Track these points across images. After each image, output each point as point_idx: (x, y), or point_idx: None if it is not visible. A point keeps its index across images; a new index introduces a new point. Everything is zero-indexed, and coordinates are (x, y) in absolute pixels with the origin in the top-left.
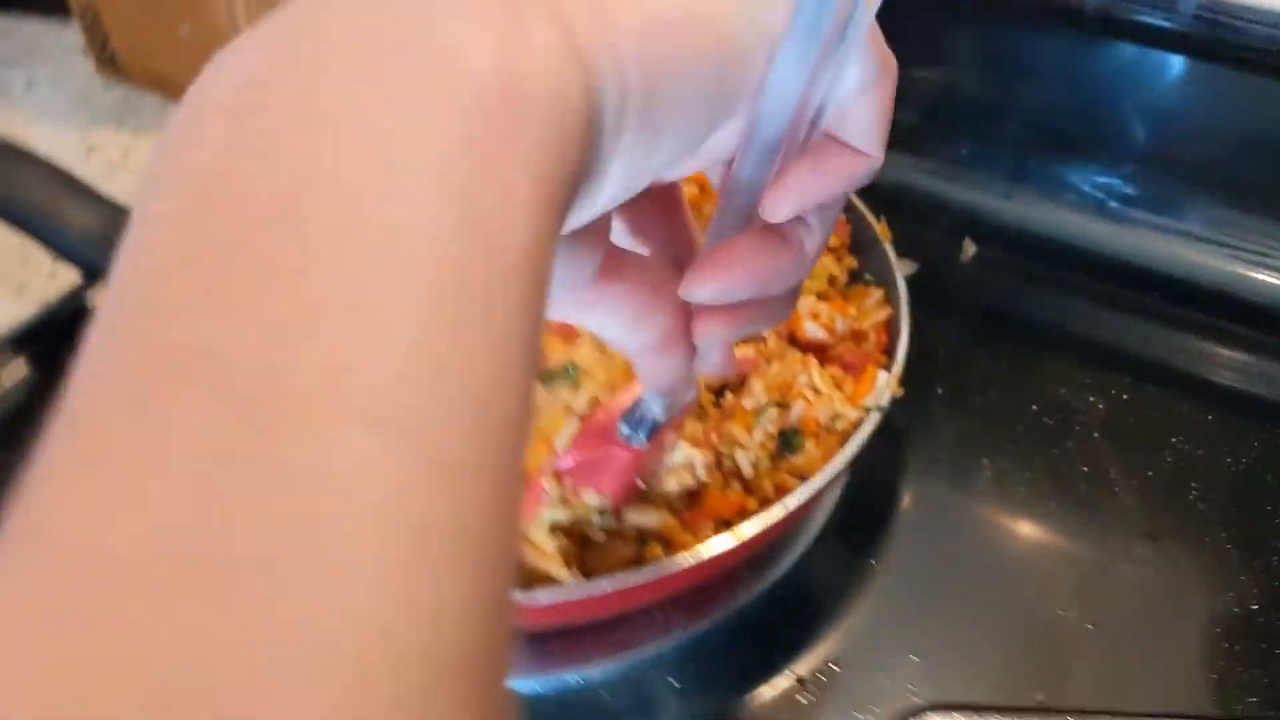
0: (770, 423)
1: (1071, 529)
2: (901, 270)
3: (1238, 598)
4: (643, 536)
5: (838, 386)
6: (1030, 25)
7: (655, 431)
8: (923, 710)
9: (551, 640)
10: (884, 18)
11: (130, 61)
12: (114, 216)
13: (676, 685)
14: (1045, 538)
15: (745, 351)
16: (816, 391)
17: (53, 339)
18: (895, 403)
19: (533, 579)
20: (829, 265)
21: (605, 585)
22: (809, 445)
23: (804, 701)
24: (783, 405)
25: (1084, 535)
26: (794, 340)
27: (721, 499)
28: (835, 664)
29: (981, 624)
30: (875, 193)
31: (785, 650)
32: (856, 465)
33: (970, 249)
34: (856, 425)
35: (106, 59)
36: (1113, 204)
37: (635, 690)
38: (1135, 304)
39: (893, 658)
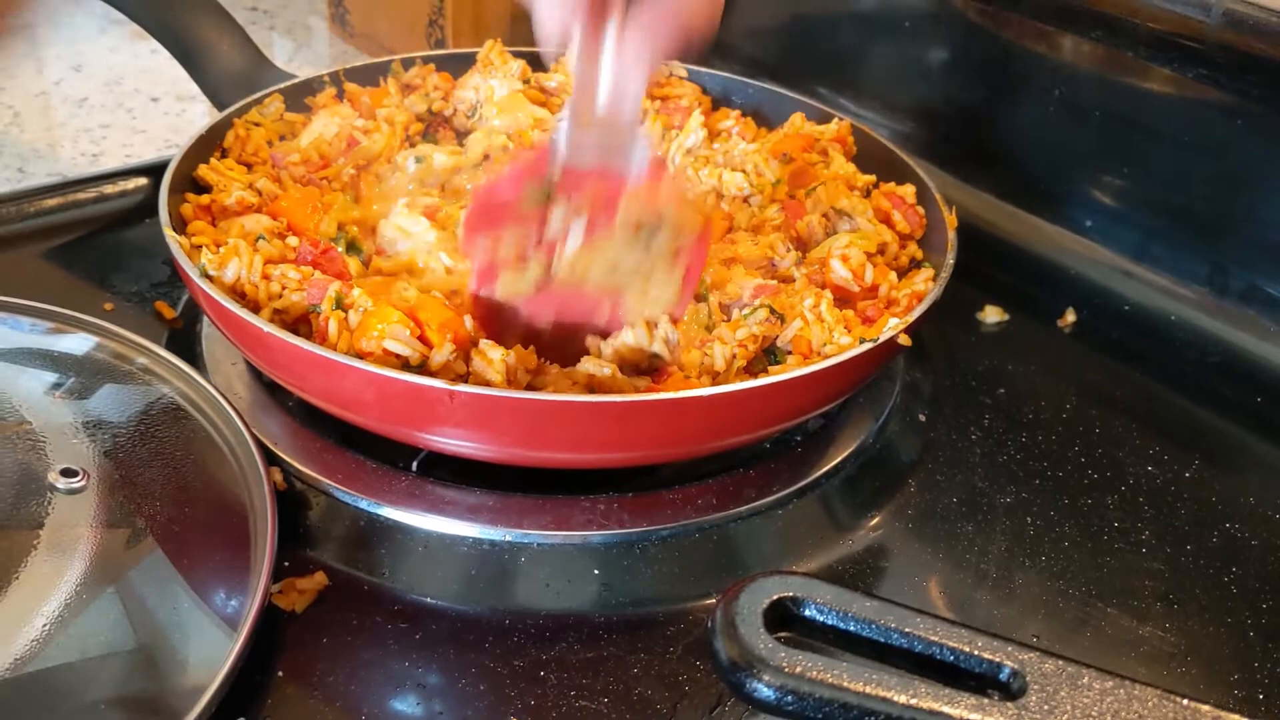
0: (756, 324)
1: (1079, 570)
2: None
3: (1244, 682)
4: (593, 388)
5: (846, 325)
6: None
7: None
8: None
9: (494, 490)
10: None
11: (355, 21)
12: (259, 65)
13: (597, 574)
14: (1049, 569)
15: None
16: (820, 319)
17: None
18: (932, 415)
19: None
20: (883, 233)
21: (532, 395)
22: (792, 362)
23: None
24: (777, 316)
25: (1091, 579)
26: (823, 286)
27: (684, 384)
28: None
29: None
30: (992, 245)
31: (722, 580)
32: (864, 458)
33: (1070, 317)
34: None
35: (339, 19)
36: (1231, 297)
37: (556, 566)
38: (1233, 401)
39: None
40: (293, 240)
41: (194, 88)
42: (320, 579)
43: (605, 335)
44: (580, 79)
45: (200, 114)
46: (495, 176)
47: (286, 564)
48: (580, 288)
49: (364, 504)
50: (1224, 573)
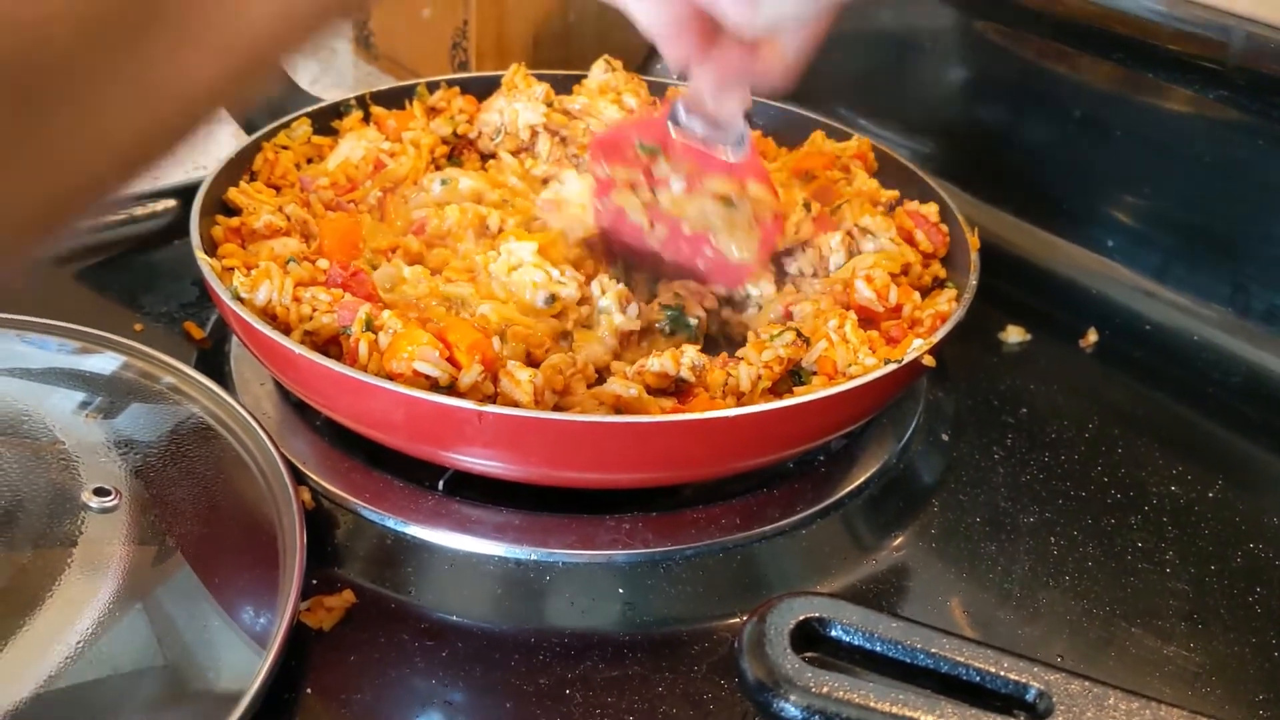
0: (783, 346)
1: (1102, 590)
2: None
3: (1270, 702)
4: (619, 408)
5: (870, 346)
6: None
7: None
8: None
9: (520, 509)
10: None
11: (379, 43)
12: (286, 88)
13: (622, 593)
14: (1072, 588)
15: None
16: (844, 339)
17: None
18: (955, 435)
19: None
20: (907, 254)
21: (559, 416)
22: (817, 383)
23: None
24: (803, 338)
25: (1115, 599)
26: (847, 306)
27: (709, 404)
28: None
29: None
30: (1014, 265)
31: (745, 600)
32: (887, 478)
33: (1092, 337)
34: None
35: (363, 41)
36: (1253, 318)
37: (581, 584)
38: (1256, 421)
39: None
40: (322, 263)
41: (220, 109)
42: (348, 597)
43: (701, 280)
44: (694, 84)
45: (226, 136)
46: (623, 119)
47: (314, 582)
48: (679, 221)
49: (391, 523)
50: (1248, 593)
